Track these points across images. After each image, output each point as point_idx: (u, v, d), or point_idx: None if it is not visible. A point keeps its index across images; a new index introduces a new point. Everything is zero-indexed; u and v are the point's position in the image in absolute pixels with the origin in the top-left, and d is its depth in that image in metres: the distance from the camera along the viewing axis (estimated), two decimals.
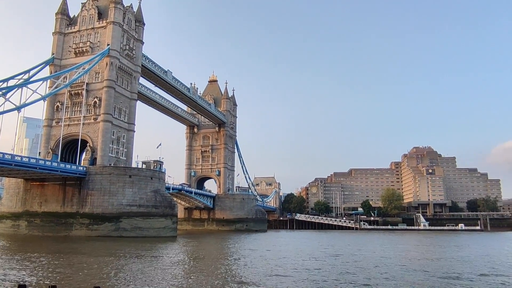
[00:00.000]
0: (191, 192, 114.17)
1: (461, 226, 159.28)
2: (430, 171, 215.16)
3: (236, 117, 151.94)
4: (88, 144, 79.08)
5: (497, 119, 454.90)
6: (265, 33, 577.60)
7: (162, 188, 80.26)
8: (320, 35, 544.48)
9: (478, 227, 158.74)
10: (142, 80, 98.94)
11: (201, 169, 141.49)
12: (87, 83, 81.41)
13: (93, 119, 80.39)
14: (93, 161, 77.66)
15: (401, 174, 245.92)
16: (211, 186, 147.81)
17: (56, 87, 74.82)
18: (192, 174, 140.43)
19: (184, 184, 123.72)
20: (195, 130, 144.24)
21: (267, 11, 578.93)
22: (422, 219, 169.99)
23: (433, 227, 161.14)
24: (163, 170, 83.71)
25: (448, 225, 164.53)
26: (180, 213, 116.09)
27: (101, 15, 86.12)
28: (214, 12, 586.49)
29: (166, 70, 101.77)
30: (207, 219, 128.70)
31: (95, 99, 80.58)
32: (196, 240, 77.43)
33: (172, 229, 76.42)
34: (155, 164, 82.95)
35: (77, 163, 78.27)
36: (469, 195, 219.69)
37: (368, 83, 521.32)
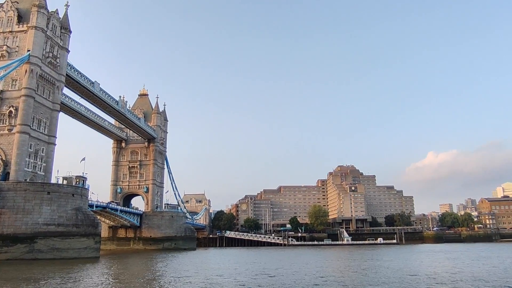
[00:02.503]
0: (116, 210, 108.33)
1: (380, 240, 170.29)
2: (353, 188, 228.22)
3: (167, 132, 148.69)
4: (0, 158, 71.92)
5: (410, 141, 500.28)
6: (195, 49, 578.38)
7: (84, 206, 75.39)
8: (250, 52, 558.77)
9: (395, 241, 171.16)
10: (67, 91, 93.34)
11: (128, 185, 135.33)
12: (2, 91, 74.69)
13: (8, 130, 73.50)
14: (5, 176, 70.65)
15: (326, 191, 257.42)
16: (138, 203, 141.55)
17: None
18: (118, 190, 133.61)
19: (113, 202, 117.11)
20: (123, 144, 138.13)
21: (199, 26, 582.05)
22: (345, 234, 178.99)
23: (355, 242, 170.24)
24: (86, 187, 78.87)
25: (368, 239, 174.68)
26: (104, 232, 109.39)
27: (21, 18, 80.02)
28: (146, 25, 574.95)
29: (93, 81, 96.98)
30: (133, 238, 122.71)
31: (11, 108, 73.97)
32: (121, 260, 73.35)
33: (94, 249, 71.84)
34: (77, 180, 77.78)
35: None
36: (387, 211, 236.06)
37: (295, 101, 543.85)
